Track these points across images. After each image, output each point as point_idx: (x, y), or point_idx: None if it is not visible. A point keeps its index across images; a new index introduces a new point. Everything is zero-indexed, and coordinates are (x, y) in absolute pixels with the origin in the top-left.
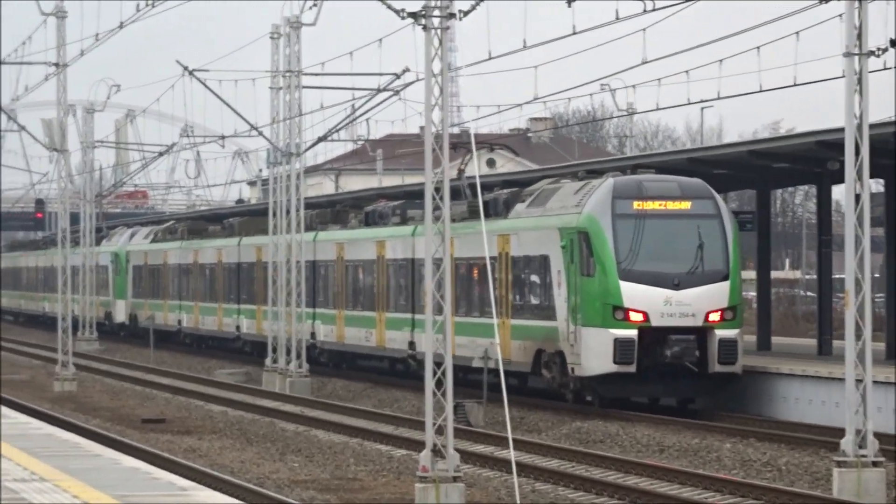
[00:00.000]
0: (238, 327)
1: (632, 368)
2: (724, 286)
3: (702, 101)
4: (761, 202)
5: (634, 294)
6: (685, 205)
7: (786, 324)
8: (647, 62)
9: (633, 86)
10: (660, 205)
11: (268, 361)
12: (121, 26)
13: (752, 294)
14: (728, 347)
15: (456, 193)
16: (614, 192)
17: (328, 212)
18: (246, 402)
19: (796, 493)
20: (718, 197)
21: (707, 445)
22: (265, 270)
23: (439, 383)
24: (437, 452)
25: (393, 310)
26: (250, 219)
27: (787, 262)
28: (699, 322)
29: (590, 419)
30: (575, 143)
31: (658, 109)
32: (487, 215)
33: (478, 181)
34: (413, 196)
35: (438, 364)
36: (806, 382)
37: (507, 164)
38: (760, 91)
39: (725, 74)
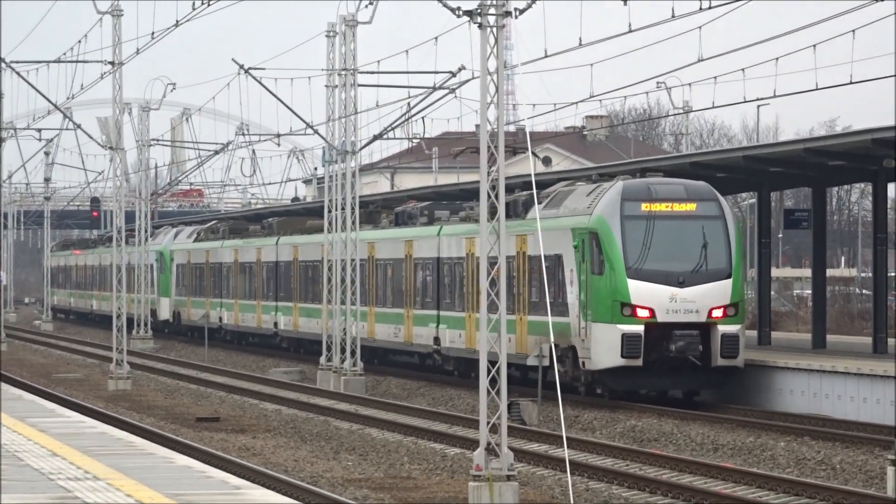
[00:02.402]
0: (276, 324)
1: (638, 362)
2: (727, 284)
3: (758, 99)
4: (817, 200)
5: (641, 291)
6: (690, 206)
7: (841, 322)
8: (703, 60)
9: (689, 84)
10: (666, 206)
11: (322, 360)
12: (176, 25)
13: (808, 292)
14: (730, 342)
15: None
16: (623, 195)
17: (362, 212)
18: (300, 401)
19: (851, 492)
20: (722, 199)
21: (762, 444)
22: (301, 269)
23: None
24: (491, 451)
25: (420, 307)
26: (288, 219)
27: (843, 259)
28: (703, 318)
29: (644, 418)
30: (631, 141)
31: (714, 107)
32: (507, 216)
33: (533, 179)
34: (469, 194)
35: (493, 363)
36: (862, 381)
37: (563, 163)
38: (816, 89)
39: (782, 72)
